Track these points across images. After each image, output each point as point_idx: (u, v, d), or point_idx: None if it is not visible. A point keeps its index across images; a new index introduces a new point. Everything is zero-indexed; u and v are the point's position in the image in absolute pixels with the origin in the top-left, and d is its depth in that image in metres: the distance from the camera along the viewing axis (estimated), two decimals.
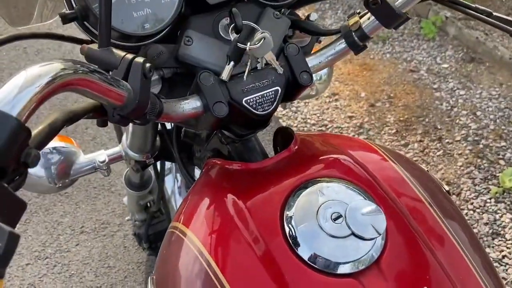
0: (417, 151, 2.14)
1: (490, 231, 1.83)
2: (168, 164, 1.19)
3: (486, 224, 1.85)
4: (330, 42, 0.63)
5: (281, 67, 0.58)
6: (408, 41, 2.54)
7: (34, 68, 0.33)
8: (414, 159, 2.11)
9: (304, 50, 0.68)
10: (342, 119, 2.35)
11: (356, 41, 0.59)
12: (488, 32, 2.53)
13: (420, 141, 2.17)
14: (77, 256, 1.81)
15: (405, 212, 0.56)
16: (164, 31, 0.56)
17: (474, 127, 2.17)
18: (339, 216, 0.52)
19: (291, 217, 0.53)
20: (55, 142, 0.83)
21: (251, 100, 0.57)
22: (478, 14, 0.61)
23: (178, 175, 1.18)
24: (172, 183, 1.23)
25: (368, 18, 0.58)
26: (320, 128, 2.34)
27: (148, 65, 0.45)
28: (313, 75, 0.61)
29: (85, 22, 0.53)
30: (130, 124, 0.79)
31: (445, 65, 2.52)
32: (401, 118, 2.28)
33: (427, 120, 2.24)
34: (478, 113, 2.23)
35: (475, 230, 1.83)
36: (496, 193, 1.92)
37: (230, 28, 0.57)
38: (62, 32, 0.59)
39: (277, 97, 0.58)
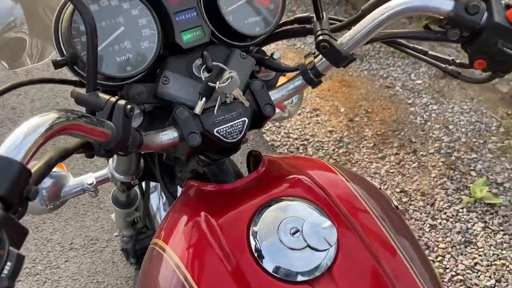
0: (393, 163, 2.24)
1: (463, 239, 1.92)
2: (153, 182, 1.26)
3: (458, 232, 1.94)
4: (291, 78, 0.72)
5: (248, 100, 0.67)
6: (384, 58, 2.66)
7: (34, 119, 0.41)
8: (391, 171, 2.21)
9: (270, 83, 0.77)
10: (323, 133, 2.45)
11: (312, 78, 0.68)
12: (460, 49, 2.66)
13: (396, 154, 2.27)
14: (66, 272, 1.86)
15: (356, 226, 0.64)
16: (144, 72, 0.65)
17: (446, 140, 2.28)
18: (297, 231, 0.60)
19: (256, 232, 0.61)
20: None
21: (222, 130, 0.65)
22: (416, 53, 0.71)
23: (163, 192, 1.25)
24: (157, 200, 1.30)
25: (321, 59, 0.66)
26: (302, 143, 2.43)
27: (129, 106, 0.53)
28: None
29: (75, 67, 0.62)
30: None
31: (419, 81, 2.64)
32: (378, 132, 2.38)
33: (402, 133, 2.35)
34: (451, 126, 2.35)
35: (448, 239, 1.93)
36: (468, 203, 2.02)
37: (202, 69, 0.66)
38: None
39: (245, 127, 0.67)
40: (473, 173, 2.14)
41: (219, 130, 0.65)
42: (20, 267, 0.35)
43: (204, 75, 0.66)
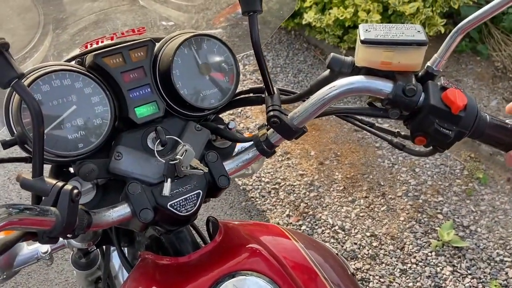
0: (363, 207, 2.26)
1: (433, 284, 1.93)
2: None
3: (428, 277, 1.96)
4: (245, 148, 0.73)
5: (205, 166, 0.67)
6: (352, 103, 2.74)
7: None
8: (361, 215, 2.23)
9: (226, 151, 0.78)
10: (294, 177, 2.47)
11: (265, 149, 0.70)
12: None
13: (366, 197, 2.30)
14: None
15: None
16: (97, 148, 0.64)
17: (413, 183, 2.34)
18: None
19: None
20: None
21: (176, 203, 0.65)
22: (364, 125, 0.74)
23: (125, 250, 1.22)
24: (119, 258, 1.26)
25: (273, 131, 0.68)
26: (273, 187, 2.44)
27: (75, 191, 0.52)
28: None
29: (25, 145, 0.61)
30: None
31: (386, 125, 2.72)
32: (348, 175, 2.42)
33: (371, 177, 2.39)
34: (417, 169, 2.41)
35: (418, 284, 1.94)
36: (436, 246, 2.05)
37: (156, 143, 0.66)
38: None
39: (199, 199, 0.67)
40: (440, 216, 2.18)
41: (173, 204, 0.65)
42: None
43: (157, 148, 0.66)
